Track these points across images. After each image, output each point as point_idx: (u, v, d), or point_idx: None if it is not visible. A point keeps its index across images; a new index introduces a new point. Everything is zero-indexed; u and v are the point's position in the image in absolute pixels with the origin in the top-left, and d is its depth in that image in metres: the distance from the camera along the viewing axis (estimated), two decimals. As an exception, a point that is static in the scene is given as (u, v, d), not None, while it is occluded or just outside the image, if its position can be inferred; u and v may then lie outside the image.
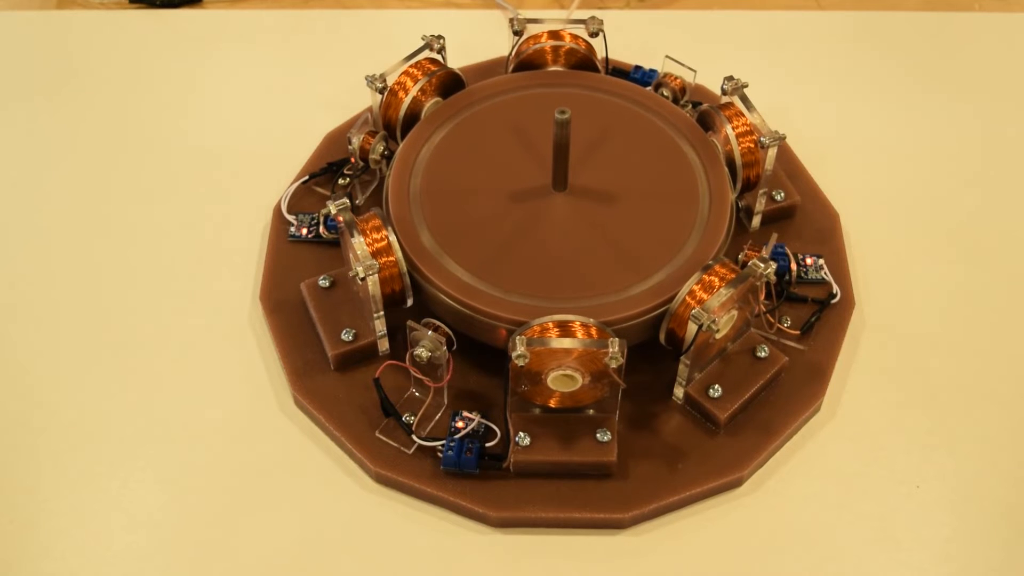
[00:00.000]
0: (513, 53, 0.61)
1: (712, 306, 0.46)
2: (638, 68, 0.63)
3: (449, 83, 0.58)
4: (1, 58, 0.71)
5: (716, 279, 0.48)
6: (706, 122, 0.56)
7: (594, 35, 0.60)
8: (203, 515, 0.48)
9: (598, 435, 0.48)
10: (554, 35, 0.61)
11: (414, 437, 0.48)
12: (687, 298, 0.48)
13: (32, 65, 0.70)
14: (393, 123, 0.57)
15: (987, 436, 0.50)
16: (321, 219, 0.57)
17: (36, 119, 0.66)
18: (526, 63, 0.61)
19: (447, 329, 0.49)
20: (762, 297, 0.51)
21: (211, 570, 0.46)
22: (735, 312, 0.48)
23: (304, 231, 0.57)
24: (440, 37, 0.58)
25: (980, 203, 0.61)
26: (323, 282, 0.53)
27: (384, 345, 0.51)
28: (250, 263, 0.58)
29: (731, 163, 0.54)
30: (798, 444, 0.50)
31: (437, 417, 0.50)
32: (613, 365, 0.45)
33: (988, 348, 0.54)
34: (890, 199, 0.61)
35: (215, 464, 0.50)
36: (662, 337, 0.49)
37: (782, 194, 0.58)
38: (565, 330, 0.46)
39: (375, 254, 0.49)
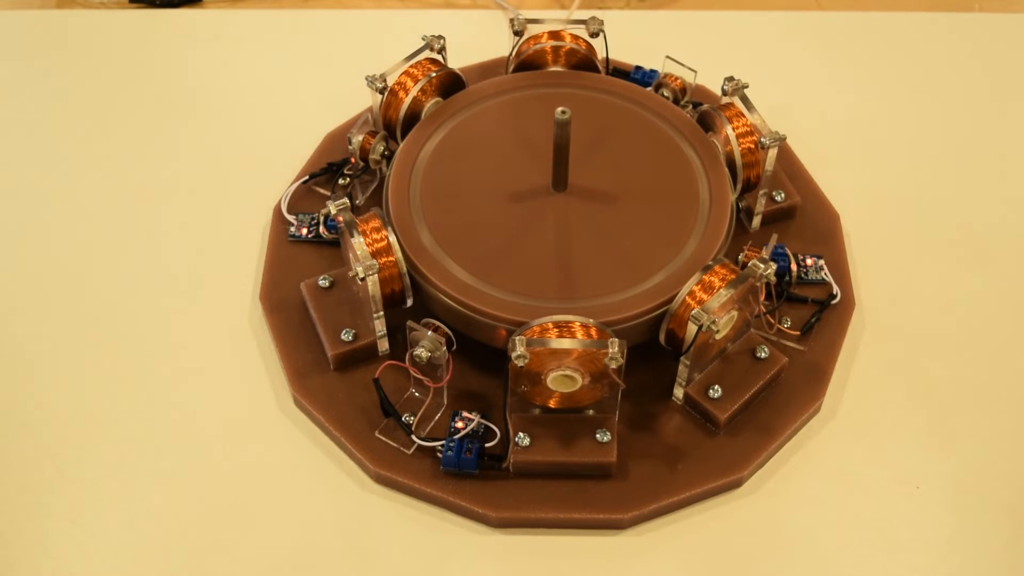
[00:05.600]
0: (513, 53, 0.61)
1: (712, 307, 0.46)
2: (638, 68, 0.63)
3: (449, 83, 0.58)
4: (1, 58, 0.70)
5: (716, 280, 0.48)
6: (706, 122, 0.56)
7: (594, 35, 0.60)
8: (203, 515, 0.48)
9: (598, 435, 0.48)
10: (554, 35, 0.60)
11: (414, 437, 0.48)
12: (687, 299, 0.48)
13: (32, 65, 0.70)
14: (393, 123, 0.57)
15: (987, 436, 0.50)
16: (321, 219, 0.57)
17: (36, 119, 0.66)
18: (526, 63, 0.61)
19: (447, 329, 0.49)
20: (762, 298, 0.51)
21: (210, 570, 0.46)
22: (735, 313, 0.48)
23: (304, 231, 0.57)
24: (440, 37, 0.58)
25: (980, 203, 0.61)
26: (323, 282, 0.53)
27: (384, 345, 0.51)
28: (250, 263, 0.58)
29: (731, 163, 0.54)
30: (798, 444, 0.50)
31: (437, 417, 0.50)
32: (613, 366, 0.45)
33: (988, 348, 0.54)
34: (890, 199, 0.61)
35: (215, 464, 0.50)
36: (662, 338, 0.49)
37: (782, 195, 0.58)
38: (565, 330, 0.46)
39: (375, 254, 0.49)
